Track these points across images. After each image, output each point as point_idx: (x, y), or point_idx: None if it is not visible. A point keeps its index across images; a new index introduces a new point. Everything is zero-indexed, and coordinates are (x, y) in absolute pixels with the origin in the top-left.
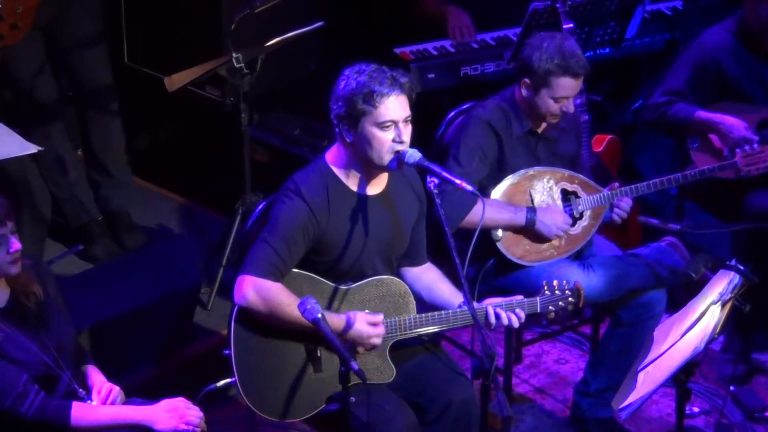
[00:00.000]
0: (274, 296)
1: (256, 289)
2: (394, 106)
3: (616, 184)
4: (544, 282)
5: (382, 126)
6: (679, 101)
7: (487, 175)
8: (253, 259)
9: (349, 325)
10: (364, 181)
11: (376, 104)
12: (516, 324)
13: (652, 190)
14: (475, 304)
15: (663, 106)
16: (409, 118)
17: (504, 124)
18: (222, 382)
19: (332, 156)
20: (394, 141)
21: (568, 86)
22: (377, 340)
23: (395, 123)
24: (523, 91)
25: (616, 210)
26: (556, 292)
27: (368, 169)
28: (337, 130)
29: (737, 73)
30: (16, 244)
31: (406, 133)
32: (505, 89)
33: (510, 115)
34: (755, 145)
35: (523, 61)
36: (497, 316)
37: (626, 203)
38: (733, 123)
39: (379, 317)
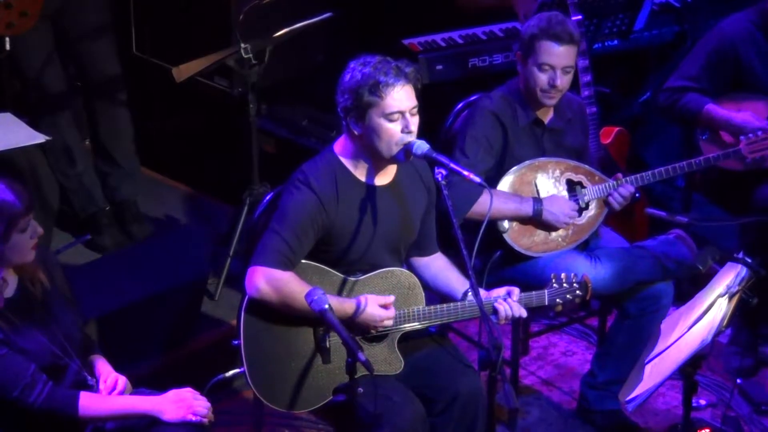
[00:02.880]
0: (287, 286)
1: (267, 280)
2: (401, 96)
3: (619, 175)
4: (552, 275)
5: (389, 117)
6: (693, 89)
7: (493, 166)
8: (263, 250)
9: (360, 308)
10: (373, 172)
11: (383, 95)
12: (518, 312)
13: (657, 179)
14: (482, 292)
15: (676, 93)
16: (416, 108)
17: (509, 114)
18: (231, 372)
19: (340, 146)
20: (402, 131)
21: (551, 51)
22: (389, 322)
23: (402, 113)
24: (518, 67)
25: (614, 194)
26: (564, 284)
27: (376, 160)
28: (344, 122)
29: (754, 63)
30: (39, 229)
31: (414, 123)
32: (510, 80)
33: (515, 105)
34: (759, 132)
35: (518, 36)
36: (495, 310)
37: (625, 189)
38: (743, 120)
39: (390, 299)
